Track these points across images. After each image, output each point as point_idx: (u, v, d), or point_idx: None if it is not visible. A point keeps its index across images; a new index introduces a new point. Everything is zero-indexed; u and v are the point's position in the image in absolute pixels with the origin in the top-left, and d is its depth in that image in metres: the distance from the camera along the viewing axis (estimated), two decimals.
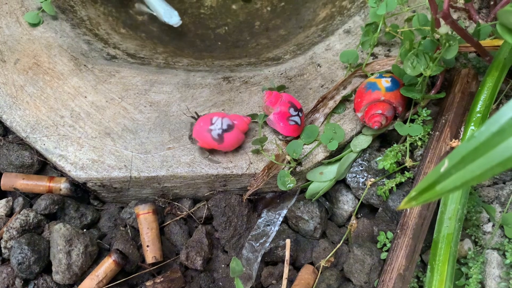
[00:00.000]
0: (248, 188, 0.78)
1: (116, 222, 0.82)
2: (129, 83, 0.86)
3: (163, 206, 0.83)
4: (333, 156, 0.80)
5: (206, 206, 0.82)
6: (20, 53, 0.89)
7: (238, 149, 0.79)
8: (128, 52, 0.95)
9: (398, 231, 0.74)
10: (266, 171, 0.77)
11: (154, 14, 1.02)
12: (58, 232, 0.73)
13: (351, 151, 0.79)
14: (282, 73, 0.88)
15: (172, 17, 0.98)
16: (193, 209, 0.82)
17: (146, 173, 0.77)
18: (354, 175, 0.80)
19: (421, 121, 0.78)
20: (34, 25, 0.92)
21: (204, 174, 0.78)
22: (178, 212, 0.82)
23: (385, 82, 0.76)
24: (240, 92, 0.85)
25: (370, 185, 0.77)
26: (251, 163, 0.78)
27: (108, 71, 0.87)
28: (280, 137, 0.80)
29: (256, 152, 0.78)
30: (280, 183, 0.76)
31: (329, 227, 0.83)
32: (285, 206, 0.81)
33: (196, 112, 0.79)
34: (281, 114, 0.77)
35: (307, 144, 0.80)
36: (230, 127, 0.75)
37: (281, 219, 0.80)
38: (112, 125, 0.81)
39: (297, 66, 0.88)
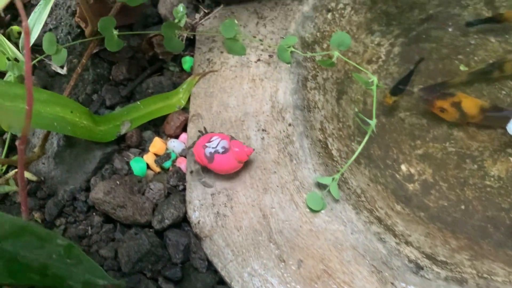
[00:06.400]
0: None
1: None
2: None
3: None
4: None
5: None
6: (302, 251, 0.69)
7: None
8: (425, 252, 0.72)
9: None
10: None
11: None
12: None
13: None
14: None
15: None
16: None
17: None
18: None
19: None
20: (316, 211, 0.73)
21: None
22: None
23: None
24: None
25: None
26: None
27: None
28: None
29: None
30: None
31: None
32: None
33: (204, 127, 0.80)
34: None
35: None
36: (225, 150, 0.73)
37: None
38: None
39: None
